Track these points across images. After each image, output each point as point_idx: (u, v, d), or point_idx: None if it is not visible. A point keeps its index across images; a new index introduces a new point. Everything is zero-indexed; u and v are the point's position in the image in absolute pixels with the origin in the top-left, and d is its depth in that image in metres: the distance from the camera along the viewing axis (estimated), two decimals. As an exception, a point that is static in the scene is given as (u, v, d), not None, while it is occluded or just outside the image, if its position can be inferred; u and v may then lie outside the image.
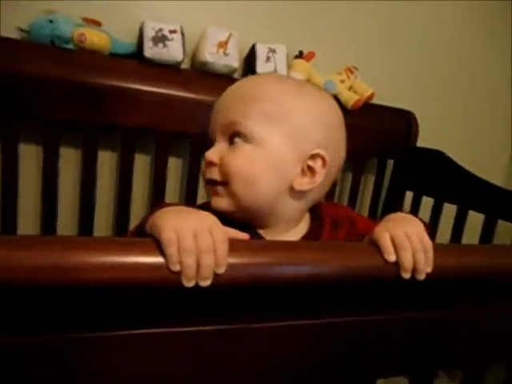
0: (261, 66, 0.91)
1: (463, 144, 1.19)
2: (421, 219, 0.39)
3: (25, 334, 0.26)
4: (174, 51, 0.84)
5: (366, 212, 1.10)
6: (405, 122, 1.05)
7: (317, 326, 0.32)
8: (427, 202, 0.99)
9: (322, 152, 0.46)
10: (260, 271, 0.27)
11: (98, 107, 0.81)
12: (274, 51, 0.93)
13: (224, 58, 0.88)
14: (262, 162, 0.44)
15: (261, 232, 0.46)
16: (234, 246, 0.28)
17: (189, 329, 0.30)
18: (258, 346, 0.32)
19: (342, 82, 1.01)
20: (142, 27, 0.82)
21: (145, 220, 0.33)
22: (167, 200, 0.90)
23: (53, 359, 0.27)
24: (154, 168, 0.89)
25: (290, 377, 0.33)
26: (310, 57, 0.98)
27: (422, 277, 0.33)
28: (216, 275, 0.27)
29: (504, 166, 1.29)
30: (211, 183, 0.46)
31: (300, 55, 0.98)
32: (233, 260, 0.27)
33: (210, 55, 0.86)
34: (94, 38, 0.79)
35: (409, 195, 1.04)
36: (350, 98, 0.98)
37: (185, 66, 0.91)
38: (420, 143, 1.05)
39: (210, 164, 0.45)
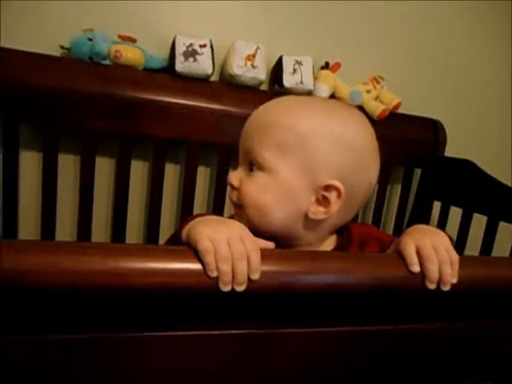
0: (287, 77, 0.93)
1: (492, 153, 1.16)
2: (447, 233, 0.39)
3: (75, 332, 0.28)
4: (203, 65, 0.87)
5: (392, 222, 1.09)
6: (432, 130, 1.04)
7: (342, 333, 0.33)
8: (456, 213, 0.98)
9: (336, 183, 0.44)
10: (290, 279, 0.29)
11: (132, 119, 0.85)
12: (300, 63, 0.94)
13: (252, 70, 0.90)
14: (273, 190, 0.45)
15: None
16: (264, 254, 0.30)
17: (220, 332, 0.31)
18: (285, 351, 0.33)
19: (368, 91, 1.02)
20: (174, 42, 0.86)
21: (179, 230, 0.36)
22: (196, 208, 0.93)
23: (91, 358, 0.29)
24: (184, 177, 0.93)
25: (316, 382, 0.34)
26: (335, 67, 0.99)
27: (447, 288, 0.33)
28: (249, 281, 0.28)
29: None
30: (233, 203, 0.49)
31: (326, 66, 0.99)
32: (264, 267, 0.29)
33: (238, 68, 0.89)
34: (129, 54, 0.84)
35: (437, 205, 1.03)
36: (376, 108, 0.98)
37: (214, 78, 0.94)
38: (448, 152, 1.04)
39: (232, 187, 0.48)
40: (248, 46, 0.90)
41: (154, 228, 0.91)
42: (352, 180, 0.46)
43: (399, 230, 1.04)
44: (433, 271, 0.33)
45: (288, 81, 0.93)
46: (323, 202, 0.45)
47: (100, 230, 0.91)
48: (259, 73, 0.91)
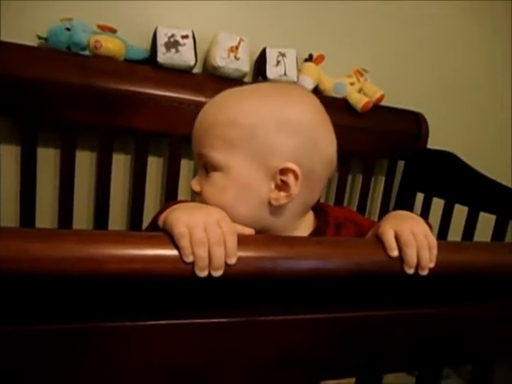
0: (271, 69, 0.93)
1: (473, 145, 1.18)
2: (425, 220, 0.40)
3: (42, 323, 0.27)
4: (186, 56, 0.86)
5: (376, 213, 1.10)
6: (415, 123, 1.05)
7: (322, 320, 0.33)
8: (438, 204, 0.99)
9: (290, 165, 0.44)
10: (267, 264, 0.29)
11: (113, 111, 0.84)
12: (283, 55, 0.94)
13: (235, 62, 0.89)
14: (231, 188, 0.44)
15: None
16: (242, 239, 0.29)
17: (200, 321, 0.31)
18: (264, 338, 0.33)
19: (352, 84, 1.02)
20: (155, 33, 0.85)
21: (156, 217, 0.35)
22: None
23: (71, 348, 0.29)
24: (167, 170, 0.92)
25: (296, 371, 0.34)
26: (319, 60, 0.99)
27: (425, 272, 0.34)
28: (227, 266, 0.28)
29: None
30: None
31: (309, 58, 0.99)
32: (242, 253, 0.28)
33: (221, 60, 0.88)
34: (109, 45, 0.82)
35: (419, 197, 1.04)
36: (360, 101, 0.99)
37: (197, 70, 0.93)
38: (430, 145, 1.05)
39: (194, 192, 0.48)
40: (231, 38, 0.89)
41: (136, 223, 0.90)
42: (308, 159, 0.45)
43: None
44: (411, 256, 0.33)
45: (271, 73, 0.92)
46: (283, 186, 0.45)
47: (82, 225, 0.90)
48: (242, 64, 0.90)
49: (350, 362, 0.38)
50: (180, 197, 0.93)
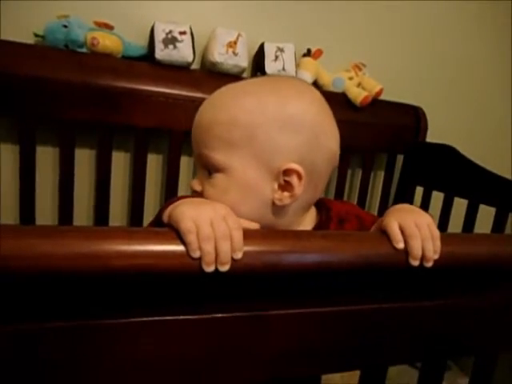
0: (269, 65, 0.92)
1: (472, 138, 1.19)
2: (428, 212, 0.40)
3: (48, 320, 0.27)
4: (184, 52, 0.85)
5: (376, 207, 1.10)
6: (413, 117, 1.05)
7: (328, 313, 0.33)
8: (437, 197, 0.99)
9: (293, 166, 0.43)
10: (273, 258, 0.29)
11: (111, 109, 0.83)
12: (282, 50, 0.94)
13: (233, 57, 0.89)
14: (234, 189, 0.43)
15: None
16: (248, 234, 0.29)
17: (208, 316, 0.31)
18: (273, 333, 0.33)
19: (351, 78, 1.02)
20: (153, 29, 0.84)
21: (160, 213, 0.35)
22: (179, 198, 0.92)
23: (76, 346, 0.29)
24: (167, 167, 0.91)
25: (301, 364, 0.34)
26: (317, 55, 0.99)
27: (429, 264, 0.34)
28: (233, 261, 0.28)
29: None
30: None
31: (308, 53, 0.99)
32: (248, 248, 0.28)
33: (220, 55, 0.88)
34: (106, 41, 0.82)
35: (419, 190, 1.04)
36: (359, 95, 0.98)
37: (195, 66, 0.92)
38: (429, 138, 1.06)
39: (196, 193, 0.46)
40: (229, 33, 0.89)
41: (136, 220, 0.90)
42: (311, 157, 0.44)
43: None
44: (416, 248, 0.33)
45: (270, 68, 0.92)
46: (286, 186, 0.44)
47: (82, 223, 0.89)
48: (241, 60, 0.89)
49: (354, 355, 0.38)
50: (180, 193, 0.93)
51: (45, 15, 0.81)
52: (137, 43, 0.87)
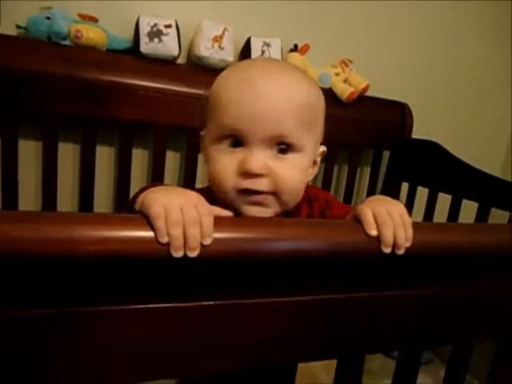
0: (255, 59, 0.92)
1: (458, 135, 1.20)
2: (401, 202, 0.40)
3: (15, 308, 0.27)
4: (169, 46, 0.85)
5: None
6: (399, 113, 1.06)
7: (303, 302, 0.33)
8: (423, 192, 1.00)
9: (325, 148, 0.51)
10: (244, 245, 0.29)
11: (96, 102, 0.83)
12: (268, 45, 0.94)
13: (219, 52, 0.89)
14: (306, 170, 0.47)
15: None
16: (219, 221, 0.29)
17: (181, 304, 0.31)
18: (246, 321, 0.33)
19: (337, 74, 1.02)
20: (138, 22, 0.84)
21: (133, 200, 0.35)
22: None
23: (47, 334, 0.28)
24: (152, 162, 0.91)
25: (278, 353, 0.35)
26: (304, 50, 0.99)
27: (401, 251, 0.34)
28: (203, 247, 0.28)
29: (502, 156, 1.30)
30: (253, 193, 0.43)
31: (295, 48, 0.99)
32: (219, 234, 0.28)
33: (206, 50, 0.88)
34: (90, 34, 0.81)
35: (405, 186, 1.05)
36: (345, 91, 0.99)
37: (181, 60, 0.92)
38: (415, 134, 1.06)
39: (257, 176, 0.42)
40: (215, 27, 0.89)
41: (122, 214, 0.89)
42: None
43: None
44: (388, 235, 0.34)
45: (256, 63, 0.92)
46: (314, 164, 0.50)
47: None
48: (227, 54, 0.89)
49: (331, 344, 0.38)
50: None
51: (28, 7, 0.80)
52: (122, 36, 0.86)
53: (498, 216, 0.89)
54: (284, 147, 0.44)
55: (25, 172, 0.83)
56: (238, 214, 0.41)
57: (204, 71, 0.90)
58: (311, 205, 0.52)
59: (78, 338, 0.29)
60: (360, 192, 1.14)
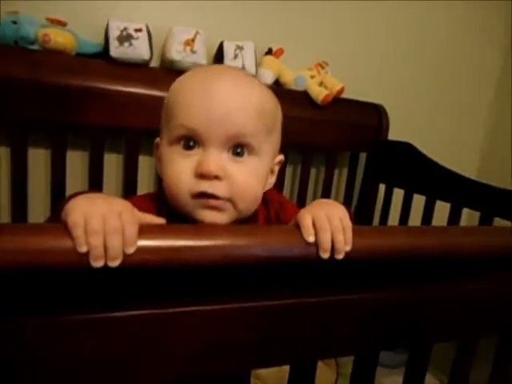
0: (229, 63, 0.92)
1: (434, 136, 1.21)
2: (345, 206, 0.40)
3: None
4: (140, 50, 0.84)
5: (340, 205, 1.11)
6: (375, 115, 1.06)
7: (244, 309, 0.33)
8: (400, 194, 1.00)
9: (282, 157, 0.51)
10: (172, 253, 0.28)
11: (66, 107, 0.82)
12: (241, 48, 0.93)
13: (191, 55, 0.88)
14: (263, 177, 0.46)
15: None
16: (146, 228, 0.29)
17: (117, 314, 0.30)
18: (186, 330, 0.32)
19: (313, 77, 1.02)
20: (107, 26, 0.83)
21: (58, 209, 0.34)
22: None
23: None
24: (125, 166, 0.90)
25: (222, 360, 0.34)
26: (279, 53, 0.99)
27: (340, 256, 0.34)
28: (127, 256, 0.27)
29: (477, 158, 1.31)
30: (210, 197, 0.42)
31: (269, 52, 0.99)
32: (144, 242, 0.28)
33: (177, 53, 0.87)
34: (59, 38, 0.80)
35: (382, 187, 1.05)
36: (320, 93, 0.99)
37: (154, 64, 0.91)
38: (391, 136, 1.07)
39: (213, 178, 0.41)
40: (187, 31, 0.88)
41: (95, 220, 0.88)
42: None
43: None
44: (325, 241, 0.33)
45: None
46: (271, 173, 0.50)
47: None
48: (199, 58, 0.89)
49: (280, 350, 0.38)
50: (139, 192, 0.92)
51: (-3, 12, 0.79)
52: (92, 40, 0.86)
53: (472, 217, 0.90)
54: (240, 150, 0.43)
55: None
56: (191, 220, 0.41)
57: (176, 75, 0.87)
58: (268, 208, 0.52)
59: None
60: (338, 194, 1.13)
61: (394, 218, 1.01)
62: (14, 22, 0.78)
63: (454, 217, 0.85)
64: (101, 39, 0.86)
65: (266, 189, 0.48)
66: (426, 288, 0.42)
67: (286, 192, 1.06)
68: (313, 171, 1.07)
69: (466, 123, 1.28)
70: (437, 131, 1.23)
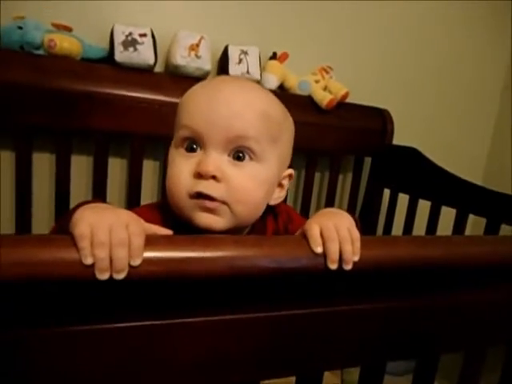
0: (233, 68, 0.92)
1: (439, 141, 1.20)
2: (352, 215, 0.40)
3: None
4: (144, 55, 0.84)
5: (344, 209, 1.10)
6: (380, 120, 1.06)
7: (250, 319, 0.33)
8: (405, 199, 1.00)
9: (292, 171, 0.50)
10: (179, 265, 0.28)
11: (71, 112, 0.82)
12: (246, 53, 0.93)
13: (196, 60, 0.88)
14: (266, 185, 0.45)
15: None
16: (153, 240, 0.29)
17: (118, 325, 0.30)
18: (186, 341, 0.32)
19: (317, 82, 1.02)
20: (112, 31, 0.83)
21: (67, 218, 0.34)
22: (142, 202, 0.91)
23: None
24: (129, 171, 0.90)
25: (225, 371, 0.34)
26: (283, 58, 0.99)
27: (349, 266, 0.33)
28: (133, 268, 0.27)
29: (483, 164, 1.30)
30: (206, 198, 0.41)
31: (274, 56, 0.99)
32: (150, 254, 0.28)
33: (182, 58, 0.87)
34: (64, 43, 0.80)
35: (387, 192, 1.05)
36: (324, 98, 0.99)
37: (159, 69, 0.92)
38: (396, 141, 1.06)
39: (210, 178, 0.41)
40: (191, 36, 0.88)
41: (99, 224, 0.88)
42: None
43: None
44: (333, 251, 0.33)
45: (234, 71, 0.92)
46: (280, 187, 0.49)
47: (41, 231, 0.87)
48: (203, 63, 0.89)
49: (287, 361, 0.37)
50: (143, 198, 0.92)
51: (0, 16, 0.79)
52: (97, 45, 0.86)
53: (478, 223, 0.89)
54: (241, 155, 0.43)
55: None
56: (192, 228, 0.40)
57: (181, 80, 0.89)
58: (277, 221, 0.52)
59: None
60: (342, 199, 1.13)
61: (398, 224, 1.00)
62: (20, 28, 0.78)
63: (459, 223, 0.84)
64: (106, 44, 0.86)
65: (275, 203, 0.48)
66: (433, 298, 0.42)
67: (290, 196, 1.06)
68: (317, 176, 1.07)
69: (472, 128, 1.27)
70: (441, 136, 1.22)
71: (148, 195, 0.94)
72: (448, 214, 0.91)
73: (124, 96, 0.85)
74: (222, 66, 0.94)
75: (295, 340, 0.37)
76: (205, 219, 0.42)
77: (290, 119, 0.50)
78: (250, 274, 0.30)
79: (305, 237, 0.34)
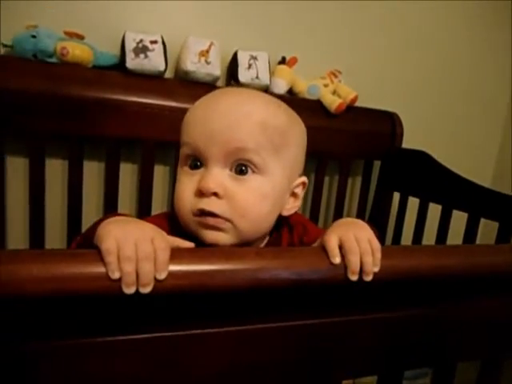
0: (243, 73, 0.92)
1: (449, 144, 1.19)
2: (370, 224, 0.40)
3: None
4: (155, 61, 0.85)
5: (354, 213, 1.10)
6: (389, 123, 1.05)
7: (270, 330, 0.33)
8: (414, 203, 0.99)
9: (305, 179, 0.48)
10: (203, 278, 0.28)
11: (83, 119, 0.83)
12: (255, 58, 0.94)
13: (206, 66, 0.89)
14: (271, 197, 0.43)
15: None
16: (177, 253, 0.29)
17: (144, 336, 0.30)
18: (209, 351, 0.32)
19: (326, 86, 1.02)
20: (124, 39, 0.84)
21: (92, 231, 0.34)
22: (154, 209, 0.92)
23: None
24: (140, 177, 0.91)
25: (247, 382, 0.34)
26: (292, 62, 0.99)
27: (369, 278, 0.33)
28: (158, 282, 0.28)
29: (492, 167, 1.30)
30: (209, 215, 0.41)
31: (283, 61, 0.99)
32: (175, 267, 0.28)
33: (192, 64, 0.88)
34: (76, 51, 0.81)
35: (396, 196, 1.05)
36: (333, 102, 0.99)
37: (169, 75, 0.92)
38: (405, 144, 1.06)
39: (212, 195, 0.40)
40: (201, 42, 0.89)
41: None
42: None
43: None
44: (354, 263, 0.33)
45: (244, 76, 0.92)
46: (292, 197, 0.47)
47: (54, 235, 0.88)
48: (213, 69, 0.89)
49: (306, 371, 0.37)
50: (154, 204, 0.92)
51: (14, 25, 0.80)
52: (108, 52, 0.87)
53: (489, 227, 0.88)
54: (243, 168, 0.42)
55: (12, 187, 0.83)
56: (200, 241, 0.41)
57: (191, 85, 0.90)
58: (292, 233, 0.51)
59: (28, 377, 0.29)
60: (352, 202, 1.13)
61: (408, 228, 1.00)
62: (34, 36, 0.79)
63: (471, 227, 0.84)
64: (117, 51, 0.87)
65: (289, 213, 0.46)
66: (451, 306, 0.42)
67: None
68: (326, 179, 1.07)
69: (480, 130, 1.26)
70: (451, 139, 1.21)
71: (159, 200, 0.95)
72: (458, 218, 0.90)
73: (135, 102, 0.86)
74: (232, 72, 0.94)
75: (314, 350, 0.37)
76: (210, 236, 0.41)
77: (299, 126, 0.48)
78: (271, 286, 0.30)
79: (324, 248, 0.34)
